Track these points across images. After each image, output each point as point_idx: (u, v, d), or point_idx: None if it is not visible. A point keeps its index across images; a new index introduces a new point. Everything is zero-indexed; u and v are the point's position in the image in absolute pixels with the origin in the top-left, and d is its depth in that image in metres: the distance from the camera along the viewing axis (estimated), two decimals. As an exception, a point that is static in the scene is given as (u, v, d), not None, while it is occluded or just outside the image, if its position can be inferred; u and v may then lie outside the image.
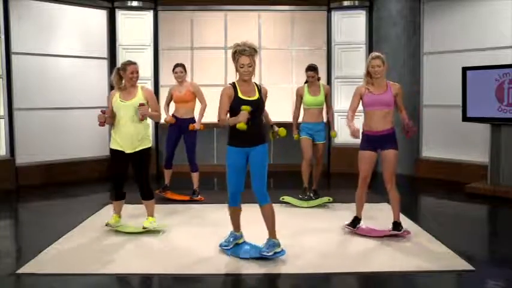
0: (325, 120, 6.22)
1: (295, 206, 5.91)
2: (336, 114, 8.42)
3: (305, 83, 6.12)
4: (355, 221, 4.81)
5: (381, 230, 4.73)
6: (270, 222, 4.03)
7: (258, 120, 3.99)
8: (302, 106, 6.10)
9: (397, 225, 4.62)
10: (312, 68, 5.99)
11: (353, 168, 7.68)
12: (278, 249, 3.98)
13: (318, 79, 6.08)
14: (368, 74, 4.61)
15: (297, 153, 6.25)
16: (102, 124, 4.72)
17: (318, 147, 6.07)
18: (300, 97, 6.08)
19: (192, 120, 6.16)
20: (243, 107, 3.80)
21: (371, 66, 4.56)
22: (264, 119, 4.24)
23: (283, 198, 5.99)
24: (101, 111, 4.71)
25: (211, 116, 6.31)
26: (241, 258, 4.06)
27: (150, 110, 4.77)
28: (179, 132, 6.12)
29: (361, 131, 4.70)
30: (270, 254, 3.95)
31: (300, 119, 6.16)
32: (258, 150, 3.99)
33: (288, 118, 6.29)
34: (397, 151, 4.63)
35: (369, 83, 4.63)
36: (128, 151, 4.70)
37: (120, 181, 4.80)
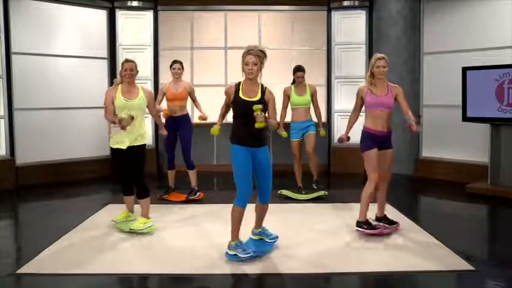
0: (313, 119, 6.33)
1: (295, 203, 5.98)
2: (335, 115, 8.47)
3: (292, 83, 6.29)
4: (369, 223, 4.69)
5: (383, 228, 4.78)
6: (262, 217, 4.30)
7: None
8: (290, 106, 6.27)
9: (389, 219, 4.83)
10: (301, 69, 6.21)
11: (353, 168, 7.76)
12: (272, 232, 4.37)
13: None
14: (371, 74, 4.65)
15: (302, 153, 6.31)
16: (124, 128, 4.58)
17: (308, 138, 6.18)
18: (287, 97, 6.26)
19: (187, 116, 6.14)
20: (254, 107, 3.84)
21: (376, 66, 4.60)
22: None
23: (281, 192, 6.22)
24: (131, 117, 4.58)
25: (210, 116, 6.33)
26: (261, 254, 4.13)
27: (148, 108, 4.93)
28: (175, 129, 6.08)
29: (361, 129, 4.77)
30: (274, 240, 4.30)
31: (289, 119, 6.35)
32: (263, 152, 4.05)
33: (287, 118, 6.34)
34: (392, 150, 4.80)
35: (371, 84, 4.66)
36: (125, 146, 4.72)
37: (128, 178, 4.87)
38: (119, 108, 4.73)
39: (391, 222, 4.83)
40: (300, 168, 6.30)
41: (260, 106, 3.85)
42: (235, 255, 3.99)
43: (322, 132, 6.32)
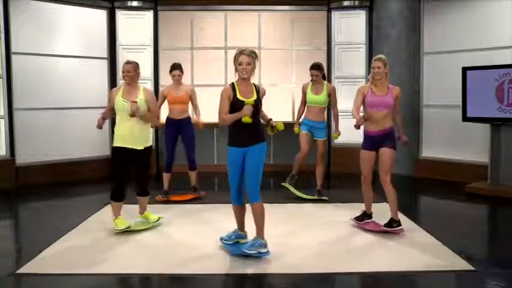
0: (326, 119, 6.22)
1: (295, 203, 5.97)
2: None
3: (311, 80, 6.14)
4: (363, 216, 4.92)
5: (379, 225, 4.84)
6: (259, 221, 4.04)
7: (255, 120, 4.04)
8: (306, 103, 6.16)
9: (391, 222, 4.70)
10: (315, 67, 6.03)
11: (353, 168, 7.75)
12: (263, 250, 3.99)
13: (324, 78, 6.11)
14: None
15: (297, 153, 6.24)
16: (99, 127, 4.89)
17: (318, 145, 6.11)
18: (304, 94, 6.16)
19: (188, 119, 6.15)
20: (247, 101, 3.91)
21: (372, 67, 4.71)
22: (261, 118, 4.24)
23: (283, 184, 6.19)
24: (101, 117, 4.85)
25: (210, 116, 6.34)
26: (236, 255, 4.08)
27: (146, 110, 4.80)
28: (176, 133, 6.09)
29: (362, 129, 4.81)
30: (253, 252, 3.96)
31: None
32: (255, 149, 4.03)
33: (288, 118, 6.31)
34: (393, 150, 4.72)
35: (372, 84, 4.74)
36: (131, 146, 4.72)
37: (122, 181, 4.79)
38: (118, 109, 4.74)
39: (391, 226, 4.69)
40: (302, 159, 6.07)
41: (252, 101, 3.92)
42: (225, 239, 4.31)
43: (336, 134, 6.10)
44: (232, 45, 8.33)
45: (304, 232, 4.81)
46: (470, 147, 7.43)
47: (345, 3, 8.37)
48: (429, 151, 7.99)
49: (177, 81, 6.06)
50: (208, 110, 6.77)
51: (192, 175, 6.23)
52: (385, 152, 4.69)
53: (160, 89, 7.66)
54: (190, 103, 6.17)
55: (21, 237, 5.17)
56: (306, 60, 7.98)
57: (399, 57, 7.88)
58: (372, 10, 8.28)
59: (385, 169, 4.70)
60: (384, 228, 4.70)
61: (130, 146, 4.73)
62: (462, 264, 3.94)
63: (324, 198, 6.12)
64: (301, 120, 6.22)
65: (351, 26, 8.40)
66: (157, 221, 5.04)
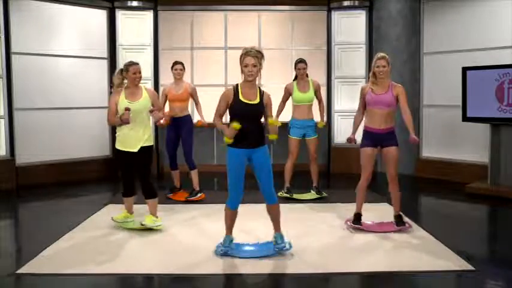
0: (315, 117, 6.18)
1: (294, 203, 5.97)
2: (335, 115, 8.47)
3: (294, 79, 6.14)
4: (359, 218, 4.86)
5: (386, 225, 4.85)
6: (276, 219, 4.17)
7: (257, 123, 4.03)
8: (292, 103, 6.12)
9: (400, 218, 4.79)
10: (303, 61, 6.05)
11: (353, 168, 7.76)
12: (286, 240, 4.16)
13: (306, 75, 6.11)
14: (373, 74, 4.73)
15: (299, 153, 6.23)
16: (127, 122, 4.63)
17: (310, 143, 6.09)
18: (288, 93, 6.11)
19: (188, 117, 6.16)
20: (234, 124, 3.83)
21: (376, 66, 4.68)
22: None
23: (282, 194, 6.08)
24: (126, 109, 4.63)
25: (210, 116, 6.30)
26: (241, 257, 4.07)
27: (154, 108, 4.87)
28: (177, 131, 6.10)
29: (362, 128, 4.85)
30: (285, 246, 4.09)
31: (289, 117, 6.20)
32: (261, 152, 4.03)
33: (287, 118, 6.28)
34: (398, 148, 4.75)
35: (373, 83, 4.74)
36: (132, 150, 4.76)
37: (129, 179, 4.89)
38: (121, 110, 4.72)
39: (399, 223, 4.78)
40: (292, 168, 6.12)
41: (238, 125, 3.81)
42: (225, 250, 4.14)
43: (321, 123, 6.09)
44: (232, 45, 8.33)
45: (304, 232, 4.81)
46: (470, 147, 7.43)
47: (345, 3, 8.37)
48: (429, 151, 7.99)
49: (179, 75, 6.07)
50: (208, 110, 6.76)
51: (192, 175, 6.15)
52: (391, 150, 4.71)
53: (161, 88, 7.67)
54: (190, 101, 6.18)
55: (21, 237, 5.17)
56: (305, 60, 7.97)
57: (399, 58, 7.88)
58: (372, 10, 8.29)
59: (394, 167, 4.73)
60: (397, 227, 4.76)
61: (130, 149, 4.76)
62: (462, 264, 3.94)
63: (323, 195, 6.14)
64: (288, 120, 6.18)
65: (351, 26, 8.40)
66: (152, 227, 4.83)
